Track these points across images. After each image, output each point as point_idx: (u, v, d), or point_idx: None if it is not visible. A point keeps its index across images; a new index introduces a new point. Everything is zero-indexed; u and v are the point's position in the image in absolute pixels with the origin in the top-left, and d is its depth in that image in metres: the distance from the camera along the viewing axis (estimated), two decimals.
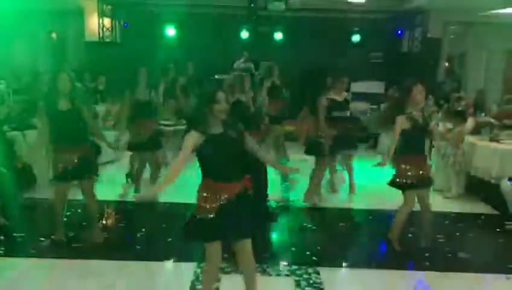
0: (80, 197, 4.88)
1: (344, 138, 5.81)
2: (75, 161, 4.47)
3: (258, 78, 9.17)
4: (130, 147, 6.02)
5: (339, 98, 5.78)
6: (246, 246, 3.22)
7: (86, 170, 4.58)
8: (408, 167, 4.50)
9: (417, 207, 4.75)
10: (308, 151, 6.04)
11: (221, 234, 3.13)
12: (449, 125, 6.69)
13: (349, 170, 6.55)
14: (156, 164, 6.05)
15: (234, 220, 3.09)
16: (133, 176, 6.30)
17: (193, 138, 3.07)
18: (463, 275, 4.30)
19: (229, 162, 3.09)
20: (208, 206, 3.07)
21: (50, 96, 4.47)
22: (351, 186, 6.51)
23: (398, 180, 4.55)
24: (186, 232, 3.22)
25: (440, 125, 6.87)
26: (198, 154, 3.09)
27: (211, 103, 3.05)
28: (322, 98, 5.77)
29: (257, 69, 10.98)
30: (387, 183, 4.67)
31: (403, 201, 4.64)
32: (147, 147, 5.87)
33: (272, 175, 7.21)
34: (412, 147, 4.54)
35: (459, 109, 7.05)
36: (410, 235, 4.92)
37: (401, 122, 4.43)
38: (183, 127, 7.72)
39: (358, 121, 6.47)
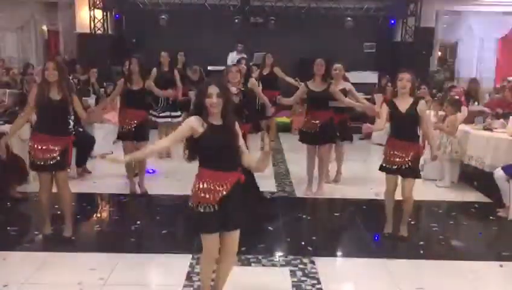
0: (76, 189, 4.86)
1: (321, 130, 5.77)
2: (56, 152, 4.37)
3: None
4: (118, 136, 6.02)
5: (316, 88, 5.74)
6: (236, 237, 3.18)
7: (65, 161, 4.49)
8: (389, 151, 4.62)
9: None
10: (299, 139, 6.09)
11: (223, 224, 3.09)
12: (441, 113, 6.71)
13: (337, 160, 6.65)
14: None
15: (233, 210, 3.08)
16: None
17: (194, 123, 3.02)
18: (457, 263, 4.32)
19: (228, 153, 3.07)
20: (210, 198, 3.01)
21: (41, 86, 4.43)
22: (337, 175, 6.68)
23: (381, 163, 4.73)
24: (194, 225, 3.17)
25: (432, 114, 6.90)
26: (200, 144, 3.05)
27: (204, 97, 3.02)
28: (302, 84, 5.87)
29: (251, 60, 10.96)
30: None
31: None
32: (135, 137, 5.79)
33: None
34: (395, 132, 4.65)
35: (456, 97, 7.06)
36: None
37: (384, 107, 4.66)
38: (178, 119, 7.82)
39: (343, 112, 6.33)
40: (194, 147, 3.09)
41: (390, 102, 4.65)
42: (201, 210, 3.03)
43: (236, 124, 3.16)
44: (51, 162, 4.39)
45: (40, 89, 4.40)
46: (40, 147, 4.37)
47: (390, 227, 4.85)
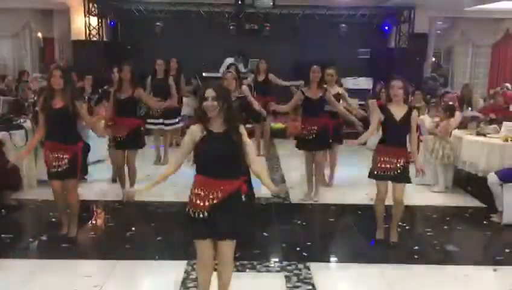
0: None
1: (317, 136, 5.82)
2: (65, 160, 4.46)
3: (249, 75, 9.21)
4: (110, 145, 6.00)
5: (312, 95, 5.77)
6: (228, 247, 3.14)
7: (75, 169, 4.55)
8: (380, 158, 4.64)
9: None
10: (296, 146, 6.12)
11: (212, 232, 3.09)
12: (437, 119, 6.75)
13: (331, 165, 6.72)
14: (130, 166, 5.90)
15: (224, 219, 3.05)
16: (116, 176, 6.35)
17: (192, 133, 3.06)
18: (451, 268, 4.35)
19: (226, 161, 3.05)
20: (201, 204, 3.04)
21: (45, 93, 4.47)
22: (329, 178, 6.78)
23: (370, 168, 4.76)
24: (186, 230, 3.18)
25: (428, 120, 6.95)
26: (196, 150, 3.05)
27: (202, 101, 3.01)
28: (299, 91, 5.89)
29: (246, 66, 10.99)
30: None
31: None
32: (126, 146, 5.76)
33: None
34: (387, 139, 4.66)
35: (450, 103, 7.11)
36: (398, 229, 4.94)
37: (377, 113, 4.68)
38: (173, 126, 7.84)
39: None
40: (195, 155, 3.09)
41: (384, 108, 4.67)
42: (192, 215, 3.07)
43: (243, 130, 3.11)
44: (60, 170, 4.48)
45: (44, 97, 4.46)
46: (51, 155, 4.48)
47: (382, 233, 4.88)
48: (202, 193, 3.04)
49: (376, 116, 4.68)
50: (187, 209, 3.12)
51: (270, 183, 3.22)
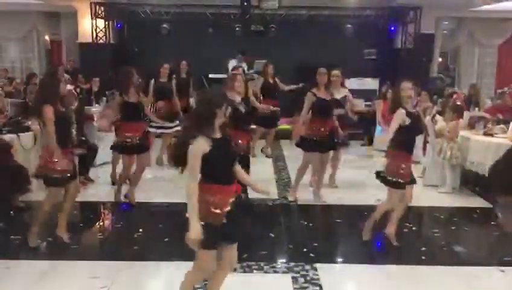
0: (78, 198, 4.92)
1: (328, 137, 5.83)
2: (71, 165, 4.49)
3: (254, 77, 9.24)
4: (116, 148, 5.96)
5: (323, 95, 5.78)
6: (235, 249, 3.17)
7: (76, 173, 4.59)
8: (401, 165, 4.47)
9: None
10: (297, 145, 6.09)
11: (225, 238, 3.07)
12: (451, 124, 6.64)
13: (334, 166, 6.73)
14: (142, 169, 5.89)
15: (235, 223, 3.04)
16: (114, 178, 6.37)
17: (201, 145, 2.90)
18: (458, 269, 4.33)
19: (231, 165, 3.08)
20: (219, 211, 2.96)
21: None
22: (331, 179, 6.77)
23: (389, 177, 4.51)
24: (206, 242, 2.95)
25: (442, 123, 6.89)
26: (206, 160, 2.91)
27: (224, 107, 2.96)
28: (309, 94, 5.85)
29: (251, 68, 11.01)
30: (377, 178, 4.68)
31: (387, 197, 4.65)
32: (133, 150, 5.72)
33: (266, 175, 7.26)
34: (407, 144, 4.52)
35: (458, 103, 7.08)
36: (405, 230, 4.93)
37: (401, 117, 4.37)
38: (175, 128, 7.84)
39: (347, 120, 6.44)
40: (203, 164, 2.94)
41: (411, 114, 4.40)
42: (211, 224, 2.94)
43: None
44: (67, 176, 4.45)
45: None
46: (55, 161, 4.37)
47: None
48: (219, 201, 2.96)
49: (397, 123, 4.37)
50: (205, 223, 2.91)
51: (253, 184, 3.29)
